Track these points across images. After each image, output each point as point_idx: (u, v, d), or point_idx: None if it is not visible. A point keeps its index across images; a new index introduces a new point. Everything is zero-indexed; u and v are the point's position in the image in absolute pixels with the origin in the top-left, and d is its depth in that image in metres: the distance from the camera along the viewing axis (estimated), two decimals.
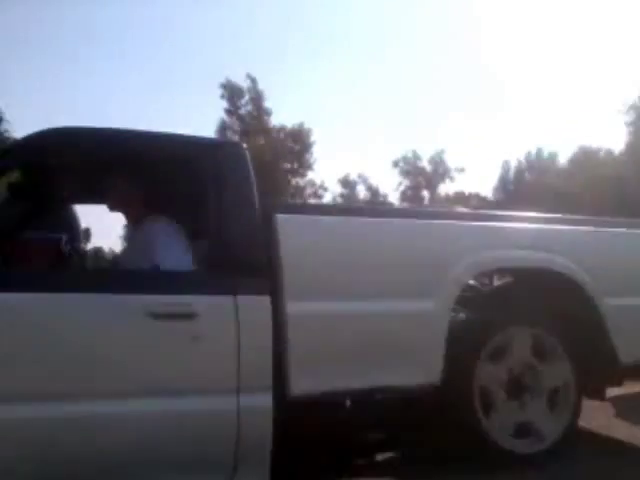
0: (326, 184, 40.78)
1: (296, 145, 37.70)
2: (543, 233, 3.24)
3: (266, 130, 37.43)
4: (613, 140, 61.29)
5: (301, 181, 38.74)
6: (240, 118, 37.78)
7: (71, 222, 6.09)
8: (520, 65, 63.52)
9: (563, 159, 41.18)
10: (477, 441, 2.97)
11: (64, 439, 2.26)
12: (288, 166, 37.89)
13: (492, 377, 3.04)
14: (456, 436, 3.11)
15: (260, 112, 37.60)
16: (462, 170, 44.65)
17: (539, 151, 42.66)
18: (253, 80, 36.90)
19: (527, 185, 40.29)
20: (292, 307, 2.59)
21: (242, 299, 2.48)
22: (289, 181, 37.71)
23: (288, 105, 58.98)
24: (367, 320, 2.74)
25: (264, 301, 2.52)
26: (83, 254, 4.23)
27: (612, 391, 3.96)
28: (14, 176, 2.75)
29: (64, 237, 3.70)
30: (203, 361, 2.43)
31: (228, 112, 37.70)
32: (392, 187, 49.81)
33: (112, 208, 3.12)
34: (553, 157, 42.25)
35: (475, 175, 70.82)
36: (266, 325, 2.50)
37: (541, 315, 3.23)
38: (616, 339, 3.18)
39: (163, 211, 2.89)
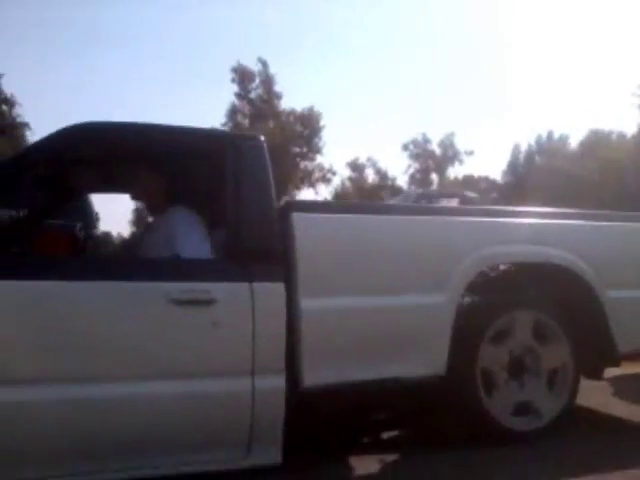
0: (335, 168, 40.66)
1: (305, 129, 37.60)
2: (547, 227, 3.34)
3: (276, 114, 37.33)
4: (625, 123, 60.56)
5: (310, 165, 38.66)
6: (250, 102, 37.69)
7: (86, 209, 6.28)
8: (532, 47, 62.83)
9: (574, 142, 40.88)
10: (478, 420, 3.10)
11: (93, 419, 2.40)
12: (297, 150, 37.80)
13: (494, 358, 3.16)
14: (458, 415, 3.26)
15: (270, 96, 37.44)
16: (471, 153, 44.26)
17: (550, 134, 42.28)
18: (264, 63, 36.72)
19: (537, 168, 40.00)
20: (306, 303, 2.72)
21: (258, 286, 2.61)
22: (298, 165, 37.66)
23: (298, 89, 58.71)
24: (378, 314, 2.86)
25: (278, 288, 2.65)
26: (97, 240, 4.39)
27: (611, 371, 4.11)
28: (41, 169, 2.89)
29: (79, 224, 3.87)
30: (221, 345, 2.57)
31: (238, 96, 37.60)
32: (401, 170, 49.39)
33: (135, 198, 3.28)
34: (564, 140, 41.84)
35: (485, 158, 70.26)
36: (280, 311, 2.64)
37: (542, 300, 3.35)
38: (615, 329, 3.30)
39: (183, 201, 3.01)
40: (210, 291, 2.55)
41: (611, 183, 29.67)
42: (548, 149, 41.52)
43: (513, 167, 43.06)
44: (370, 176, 44.17)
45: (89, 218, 5.88)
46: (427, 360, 2.96)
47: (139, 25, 54.94)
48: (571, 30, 60.30)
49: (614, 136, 38.19)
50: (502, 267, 3.57)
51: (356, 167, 43.74)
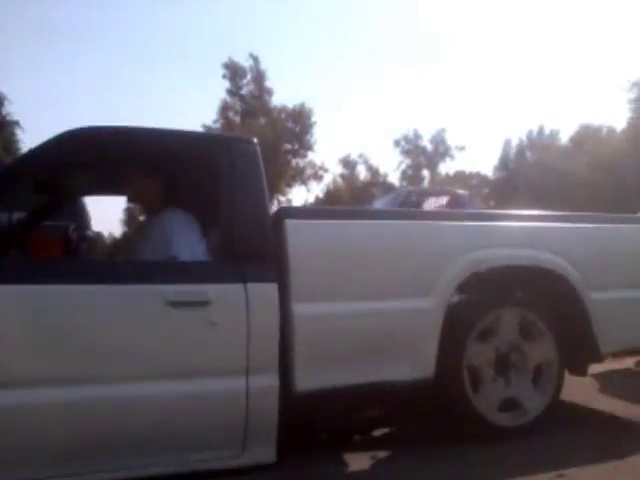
0: (327, 165, 40.74)
1: (297, 126, 37.60)
2: (533, 231, 3.39)
3: (267, 111, 37.29)
4: (615, 118, 60.92)
5: (301, 162, 38.67)
6: (242, 98, 37.64)
7: (79, 210, 6.31)
8: (523, 42, 62.90)
9: (565, 137, 41.08)
10: (466, 416, 3.17)
11: (91, 420, 2.46)
12: (289, 147, 37.80)
13: (481, 356, 3.23)
14: (446, 411, 3.32)
15: (261, 92, 37.41)
16: (462, 148, 44.30)
17: (541, 129, 42.41)
18: (255, 59, 36.63)
19: (528, 164, 40.15)
20: (299, 308, 2.78)
21: (251, 287, 2.67)
22: (289, 162, 37.66)
23: (289, 85, 58.65)
24: (368, 319, 2.93)
25: (272, 288, 2.71)
26: (90, 240, 4.45)
27: (597, 368, 4.21)
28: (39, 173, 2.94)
29: (72, 225, 3.92)
30: (216, 345, 2.63)
31: (230, 92, 37.55)
32: (393, 167, 49.40)
33: (131, 200, 3.36)
34: (555, 135, 42.00)
35: (476, 153, 70.44)
36: (273, 310, 2.70)
37: (527, 298, 3.41)
38: (598, 330, 3.36)
39: (179, 203, 3.08)
40: (206, 292, 2.62)
41: (601, 178, 29.83)
42: (539, 144, 41.64)
43: (504, 163, 43.15)
44: (362, 173, 44.23)
45: (82, 219, 5.92)
46: (416, 364, 3.02)
47: (130, 22, 54.70)
48: (561, 24, 60.50)
49: (604, 131, 38.37)
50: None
51: (348, 164, 43.75)
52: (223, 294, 2.66)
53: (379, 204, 10.70)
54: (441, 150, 44.80)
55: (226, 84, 37.29)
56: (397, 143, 44.79)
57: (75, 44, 53.14)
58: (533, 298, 3.42)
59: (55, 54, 53.97)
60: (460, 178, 43.41)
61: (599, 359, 3.53)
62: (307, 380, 2.79)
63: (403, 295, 3.02)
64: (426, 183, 42.42)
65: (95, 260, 3.42)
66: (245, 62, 36.79)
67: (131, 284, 2.59)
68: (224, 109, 37.36)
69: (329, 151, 64.00)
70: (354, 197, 35.67)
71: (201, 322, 2.60)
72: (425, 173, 45.09)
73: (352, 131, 61.41)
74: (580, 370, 3.61)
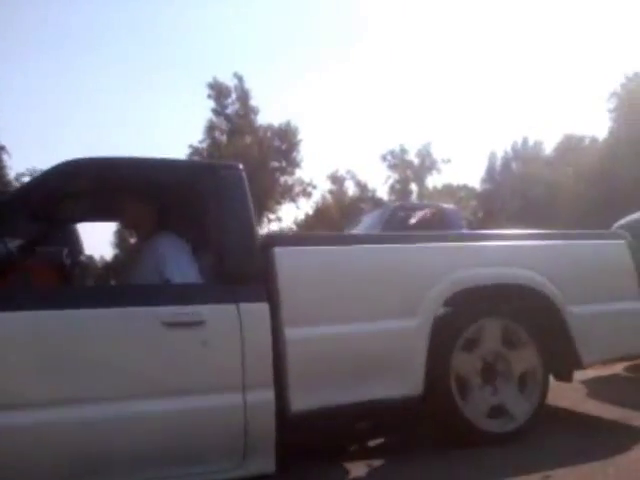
0: (315, 181, 40.93)
1: (283, 144, 37.84)
2: (512, 249, 3.56)
3: (253, 129, 37.51)
4: (597, 128, 61.79)
5: (290, 179, 38.87)
6: (227, 118, 37.87)
7: (71, 235, 6.38)
8: (506, 54, 63.86)
9: (549, 148, 41.57)
10: (456, 424, 3.28)
11: (95, 437, 2.56)
12: (276, 164, 38.02)
13: (467, 365, 3.35)
14: (437, 420, 3.43)
15: (247, 111, 37.68)
16: (448, 161, 44.62)
17: (525, 140, 42.88)
18: (240, 79, 36.95)
19: (514, 175, 40.56)
20: (290, 332, 2.89)
21: (243, 306, 2.79)
22: (278, 179, 37.83)
23: (275, 102, 59.07)
24: (358, 340, 3.04)
25: (262, 307, 2.84)
26: (84, 265, 4.53)
27: (585, 373, 4.32)
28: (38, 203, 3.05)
29: (65, 250, 4.01)
30: (212, 363, 2.75)
31: (215, 112, 37.79)
32: (381, 182, 49.64)
33: (125, 226, 3.48)
34: (539, 146, 42.48)
35: (462, 166, 71.28)
36: (265, 328, 2.82)
37: (508, 308, 3.51)
38: (578, 342, 3.48)
39: (169, 227, 3.20)
40: (200, 313, 2.73)
41: (586, 188, 30.20)
42: (524, 155, 42.08)
43: (491, 174, 43.54)
44: (350, 188, 44.48)
45: (75, 243, 5.99)
46: (405, 381, 3.13)
47: (116, 44, 54.98)
48: (543, 36, 61.48)
49: (587, 141, 38.87)
50: None
51: (336, 180, 43.99)
52: (217, 314, 2.78)
53: (367, 219, 10.76)
54: (427, 163, 45.13)
55: (211, 104, 37.58)
56: (384, 158, 45.16)
57: (60, 65, 53.24)
58: (514, 310, 3.52)
59: (39, 75, 53.98)
60: (448, 191, 43.73)
61: (583, 366, 3.63)
62: (302, 401, 2.90)
63: (389, 316, 3.12)
64: (414, 197, 42.66)
65: (95, 285, 3.52)
66: (230, 81, 37.13)
67: (129, 307, 2.70)
68: (210, 129, 37.58)
69: (317, 167, 64.41)
70: (343, 213, 35.84)
71: (197, 341, 2.71)
72: (413, 187, 45.37)
73: (339, 147, 61.92)
74: (565, 376, 3.73)
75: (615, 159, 29.55)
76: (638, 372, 5.13)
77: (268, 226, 37.04)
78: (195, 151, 36.59)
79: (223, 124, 37.94)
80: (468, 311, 3.43)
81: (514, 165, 42.60)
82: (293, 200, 39.07)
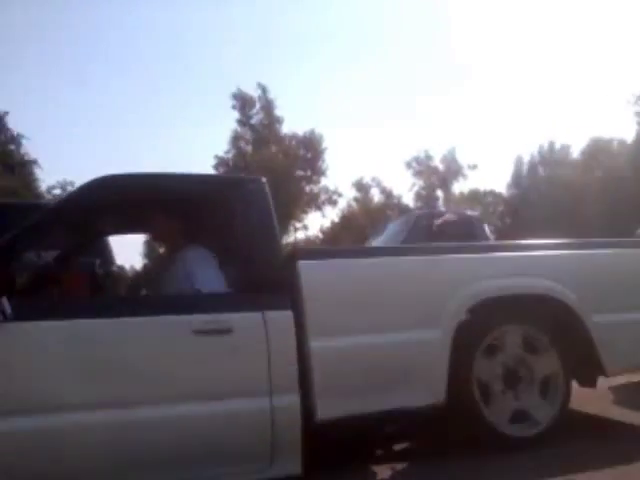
0: (340, 189, 41.00)
1: (308, 152, 38.05)
2: (534, 259, 3.61)
3: (278, 139, 37.81)
4: (625, 131, 60.76)
5: (315, 188, 39.03)
6: (252, 128, 38.23)
7: (103, 246, 6.58)
8: (530, 57, 63.27)
9: (576, 151, 41.07)
10: (479, 428, 3.34)
11: (133, 439, 2.70)
12: (302, 173, 38.23)
13: (489, 371, 3.40)
14: (460, 425, 3.47)
15: (271, 120, 38.01)
16: (475, 167, 44.20)
17: (551, 144, 42.42)
18: (263, 89, 37.30)
19: (541, 180, 40.14)
20: (315, 343, 2.99)
21: (269, 314, 2.91)
22: (303, 188, 38.02)
23: (299, 112, 59.44)
24: (382, 351, 3.12)
25: (287, 315, 2.95)
26: (116, 275, 4.69)
27: (613, 380, 4.28)
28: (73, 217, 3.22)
29: (98, 260, 4.18)
30: (240, 369, 2.86)
31: (240, 122, 38.19)
32: (406, 188, 49.41)
33: (155, 239, 3.63)
34: (566, 150, 41.98)
35: (489, 171, 70.59)
36: (290, 334, 2.93)
37: (529, 314, 3.55)
38: (602, 351, 3.50)
39: (198, 240, 3.34)
40: (229, 321, 2.86)
41: (613, 190, 29.76)
42: (551, 159, 41.62)
43: (517, 179, 43.12)
44: (376, 196, 44.47)
45: (106, 254, 6.19)
46: (428, 390, 3.20)
47: (140, 59, 55.95)
48: (568, 40, 60.73)
49: (615, 143, 38.33)
50: None
51: (361, 187, 44.01)
52: (244, 322, 2.90)
53: (392, 226, 10.81)
54: (453, 169, 44.78)
55: (236, 114, 37.98)
56: (409, 165, 44.95)
57: (86, 84, 54.42)
58: (535, 317, 3.57)
59: (66, 91, 55.13)
60: (474, 197, 43.43)
61: (607, 375, 3.65)
62: (328, 410, 3.00)
63: (412, 326, 3.20)
64: (440, 203, 42.44)
65: (130, 295, 3.68)
66: (254, 92, 37.47)
67: (161, 315, 2.84)
68: (235, 139, 37.97)
69: (342, 175, 64.45)
70: (370, 219, 35.86)
71: (226, 348, 2.84)
72: (439, 193, 45.09)
73: (363, 154, 61.92)
74: (589, 382, 3.75)
75: None
76: None
77: (295, 234, 37.34)
78: (221, 161, 37.06)
79: (248, 134, 38.32)
80: (489, 319, 3.47)
81: (541, 169, 42.14)
82: (319, 208, 39.28)
